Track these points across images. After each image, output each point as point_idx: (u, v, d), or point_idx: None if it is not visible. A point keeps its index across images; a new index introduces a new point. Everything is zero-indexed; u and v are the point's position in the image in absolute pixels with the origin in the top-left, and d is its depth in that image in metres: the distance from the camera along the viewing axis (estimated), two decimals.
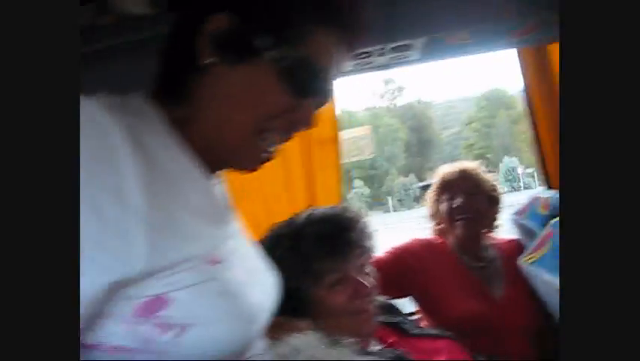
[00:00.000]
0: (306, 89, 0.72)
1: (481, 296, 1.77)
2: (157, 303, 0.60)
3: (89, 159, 0.55)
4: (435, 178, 1.99)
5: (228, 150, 0.74)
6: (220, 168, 0.80)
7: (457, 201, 1.86)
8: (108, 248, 0.55)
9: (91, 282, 0.55)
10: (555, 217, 1.74)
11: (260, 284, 0.77)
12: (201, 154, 0.72)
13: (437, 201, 1.95)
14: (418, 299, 1.86)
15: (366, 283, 1.25)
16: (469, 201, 1.86)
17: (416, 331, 1.40)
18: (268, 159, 0.76)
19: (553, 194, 1.95)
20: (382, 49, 1.42)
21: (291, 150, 1.96)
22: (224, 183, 0.86)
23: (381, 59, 1.49)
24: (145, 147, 0.61)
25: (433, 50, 1.47)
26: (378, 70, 1.60)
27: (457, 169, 1.95)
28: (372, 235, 1.33)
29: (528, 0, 1.27)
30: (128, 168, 0.57)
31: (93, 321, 0.59)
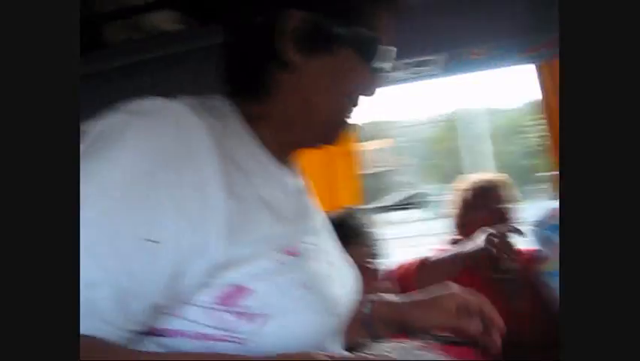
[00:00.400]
0: (377, 61, 0.76)
1: (504, 311, 1.75)
2: (238, 293, 0.62)
3: (173, 156, 0.58)
4: (464, 187, 1.92)
5: (315, 135, 0.77)
6: (298, 149, 0.83)
7: (503, 208, 1.81)
8: (186, 237, 0.57)
9: (167, 269, 0.57)
10: None
11: (340, 279, 0.78)
12: (279, 145, 0.75)
13: (471, 208, 1.87)
14: None
15: (370, 268, 1.28)
16: (511, 210, 1.83)
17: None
18: (348, 126, 0.79)
19: None
20: (405, 64, 1.44)
21: (311, 163, 1.98)
22: (304, 177, 0.88)
23: (403, 74, 1.51)
24: (225, 145, 0.64)
25: (454, 65, 1.49)
26: (400, 84, 1.63)
27: (490, 178, 1.90)
28: (373, 226, 1.38)
29: (545, 17, 1.29)
30: (209, 166, 0.60)
31: (174, 308, 0.61)
